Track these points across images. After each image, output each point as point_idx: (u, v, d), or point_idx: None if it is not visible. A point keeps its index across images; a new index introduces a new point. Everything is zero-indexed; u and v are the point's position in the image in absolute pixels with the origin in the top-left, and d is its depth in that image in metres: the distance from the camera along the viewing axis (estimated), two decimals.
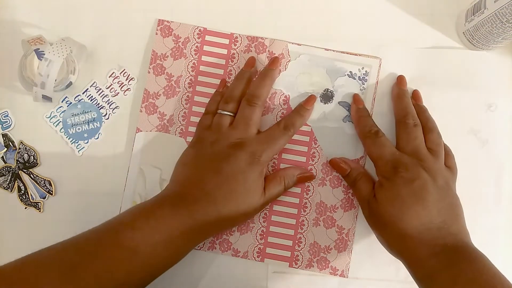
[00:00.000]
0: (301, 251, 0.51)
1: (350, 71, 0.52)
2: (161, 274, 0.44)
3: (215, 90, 0.51)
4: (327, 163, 0.51)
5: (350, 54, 0.52)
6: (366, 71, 0.52)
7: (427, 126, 0.49)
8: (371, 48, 0.52)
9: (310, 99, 0.51)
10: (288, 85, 0.52)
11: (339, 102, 0.52)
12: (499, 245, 0.52)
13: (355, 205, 0.51)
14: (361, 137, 0.50)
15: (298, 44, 0.52)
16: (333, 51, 0.52)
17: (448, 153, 0.50)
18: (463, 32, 0.52)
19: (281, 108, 0.52)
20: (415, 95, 0.52)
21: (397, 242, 0.45)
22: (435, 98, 0.52)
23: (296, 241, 0.51)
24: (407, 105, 0.50)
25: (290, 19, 0.53)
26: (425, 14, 0.53)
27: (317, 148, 0.52)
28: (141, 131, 0.52)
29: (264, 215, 0.51)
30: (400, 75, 0.52)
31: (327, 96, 0.52)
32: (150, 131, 0.52)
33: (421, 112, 0.50)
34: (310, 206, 0.51)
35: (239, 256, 0.51)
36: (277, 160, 0.51)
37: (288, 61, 0.52)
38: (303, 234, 0.51)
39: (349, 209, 0.51)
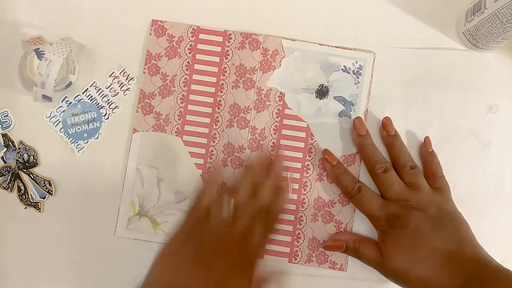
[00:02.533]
0: (300, 247, 0.51)
1: (344, 66, 0.52)
2: None
3: (207, 180, 0.48)
4: (323, 159, 0.51)
5: (344, 48, 0.52)
6: (360, 65, 0.52)
7: (399, 163, 0.49)
8: (371, 48, 0.53)
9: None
10: (283, 82, 0.52)
11: (334, 97, 0.52)
12: (499, 247, 0.52)
13: None
14: (346, 196, 0.50)
15: (292, 40, 0.52)
16: (327, 45, 0.52)
17: (433, 174, 0.49)
18: (463, 32, 0.52)
19: (276, 105, 0.52)
20: (385, 124, 0.51)
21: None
22: (435, 99, 0.52)
23: (295, 237, 0.51)
24: (372, 152, 0.50)
25: (284, 15, 0.53)
26: (425, 14, 0.53)
27: (313, 144, 0.52)
28: (138, 131, 0.52)
29: None
30: (356, 119, 0.51)
31: (322, 92, 0.52)
32: (147, 131, 0.52)
33: (392, 145, 0.50)
34: (308, 201, 0.51)
35: None
36: (274, 157, 0.51)
37: (283, 57, 0.52)
38: (302, 229, 0.51)
39: (347, 203, 0.51)
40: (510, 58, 0.53)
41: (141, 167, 0.51)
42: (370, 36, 0.53)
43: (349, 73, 0.52)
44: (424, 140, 0.51)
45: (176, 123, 0.52)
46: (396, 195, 0.47)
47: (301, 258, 0.51)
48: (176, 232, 0.45)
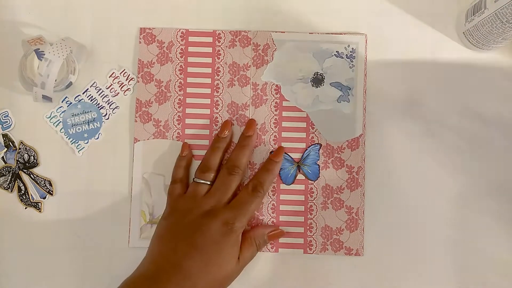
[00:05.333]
0: (313, 236, 0.51)
1: (337, 51, 0.52)
2: None
3: (178, 155, 0.51)
4: (327, 146, 0.52)
5: (335, 34, 0.52)
6: (353, 48, 0.52)
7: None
8: (372, 49, 0.53)
9: (279, 151, 0.51)
10: (278, 75, 0.52)
11: (330, 84, 0.52)
12: None
13: (361, 183, 0.52)
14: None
15: (282, 32, 0.53)
16: (318, 33, 0.53)
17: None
18: (463, 32, 0.52)
19: (274, 98, 0.52)
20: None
21: None
22: (435, 98, 0.52)
23: (308, 227, 0.51)
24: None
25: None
26: (425, 14, 0.53)
27: (315, 133, 0.52)
28: (139, 140, 0.52)
29: (273, 206, 0.51)
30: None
31: (317, 80, 0.52)
32: (148, 139, 0.52)
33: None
34: (316, 190, 0.52)
35: None
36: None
37: (274, 50, 0.52)
38: (313, 219, 0.51)
39: (355, 188, 0.51)
40: (510, 58, 0.53)
41: (146, 175, 0.51)
42: (369, 37, 0.53)
43: (342, 57, 0.52)
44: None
45: (176, 128, 0.52)
46: None
47: (315, 247, 0.51)
48: (162, 215, 0.49)
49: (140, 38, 0.53)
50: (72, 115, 0.52)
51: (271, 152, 0.51)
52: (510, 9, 0.44)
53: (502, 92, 0.53)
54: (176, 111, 0.52)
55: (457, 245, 0.51)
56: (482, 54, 0.53)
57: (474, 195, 0.52)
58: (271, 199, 0.51)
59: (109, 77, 0.52)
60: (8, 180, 0.51)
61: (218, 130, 0.51)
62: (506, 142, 0.52)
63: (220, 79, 0.52)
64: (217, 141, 0.50)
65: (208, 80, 0.52)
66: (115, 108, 0.52)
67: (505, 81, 0.53)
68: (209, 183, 0.49)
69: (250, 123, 0.51)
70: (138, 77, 0.52)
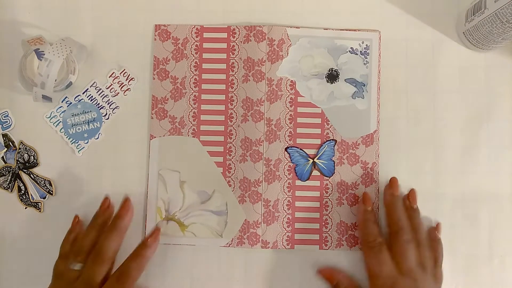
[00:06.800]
0: (329, 232, 0.51)
1: (351, 47, 0.53)
2: None
3: (69, 228, 0.50)
4: (342, 142, 0.52)
5: (349, 30, 0.53)
6: (367, 45, 0.53)
7: (418, 239, 0.48)
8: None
9: (148, 241, 0.49)
10: (293, 71, 0.52)
11: (345, 80, 0.52)
12: None
13: (375, 179, 0.52)
14: (362, 244, 0.50)
15: (297, 27, 0.53)
16: (332, 29, 0.53)
17: (436, 259, 0.49)
18: (463, 32, 0.52)
19: (289, 94, 0.52)
20: (410, 196, 0.51)
21: None
22: (435, 98, 0.52)
23: (323, 223, 0.51)
24: (400, 216, 0.49)
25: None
26: (425, 14, 0.53)
27: (330, 129, 0.52)
28: (155, 137, 0.52)
29: (288, 203, 0.51)
30: (392, 178, 0.51)
31: (332, 76, 0.52)
32: (163, 136, 0.52)
33: (413, 218, 0.49)
34: (332, 186, 0.52)
35: (268, 247, 0.51)
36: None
37: (289, 46, 0.52)
38: (329, 215, 0.51)
39: (370, 183, 0.52)
40: (510, 58, 0.53)
41: (162, 172, 0.51)
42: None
43: (357, 54, 0.53)
44: (437, 225, 0.51)
45: (191, 125, 0.52)
46: (409, 269, 0.46)
47: (331, 243, 0.51)
48: None
49: (155, 35, 0.52)
50: (72, 115, 0.52)
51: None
52: (510, 9, 0.44)
53: (503, 91, 0.53)
54: (192, 108, 0.52)
55: (464, 242, 0.52)
56: (482, 54, 0.53)
57: (474, 198, 0.52)
58: (286, 196, 0.51)
59: (109, 77, 0.52)
60: (8, 180, 0.51)
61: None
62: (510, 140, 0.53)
63: (235, 75, 0.52)
64: (94, 219, 0.50)
65: (223, 76, 0.52)
66: (115, 108, 0.52)
67: (505, 81, 0.53)
68: (81, 266, 0.47)
69: (124, 205, 0.50)
70: (154, 74, 0.52)
